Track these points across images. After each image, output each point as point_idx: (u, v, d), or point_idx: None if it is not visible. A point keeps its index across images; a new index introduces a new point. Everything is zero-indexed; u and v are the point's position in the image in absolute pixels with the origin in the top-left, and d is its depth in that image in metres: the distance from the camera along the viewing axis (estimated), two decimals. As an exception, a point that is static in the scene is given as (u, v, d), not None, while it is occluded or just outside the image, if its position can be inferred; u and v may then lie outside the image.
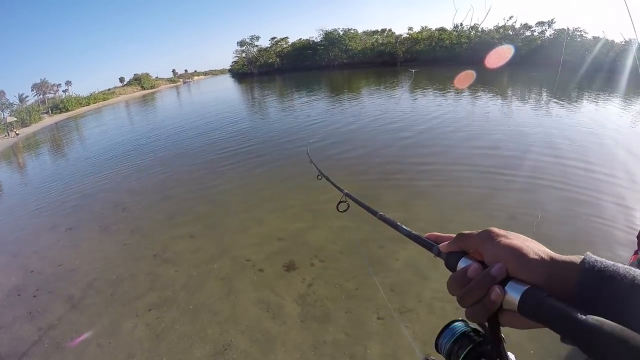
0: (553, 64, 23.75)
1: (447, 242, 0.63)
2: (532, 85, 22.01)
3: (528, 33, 42.55)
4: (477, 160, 7.96)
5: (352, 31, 53.92)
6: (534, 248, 0.52)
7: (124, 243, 6.12)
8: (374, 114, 14.60)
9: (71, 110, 43.99)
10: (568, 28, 38.76)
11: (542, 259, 0.50)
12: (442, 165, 7.84)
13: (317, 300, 4.09)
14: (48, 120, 40.30)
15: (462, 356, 0.57)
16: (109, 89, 60.40)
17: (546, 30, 41.53)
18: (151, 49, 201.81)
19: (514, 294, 0.49)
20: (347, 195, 1.60)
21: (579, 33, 38.31)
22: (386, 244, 4.96)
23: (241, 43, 60.73)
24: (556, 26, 40.93)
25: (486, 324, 0.55)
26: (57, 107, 47.27)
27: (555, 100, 15.86)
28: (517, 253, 0.51)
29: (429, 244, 0.67)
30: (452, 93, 19.81)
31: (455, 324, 0.62)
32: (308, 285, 4.35)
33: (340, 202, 1.61)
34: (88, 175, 10.81)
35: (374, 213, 1.06)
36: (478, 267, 0.54)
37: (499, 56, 30.66)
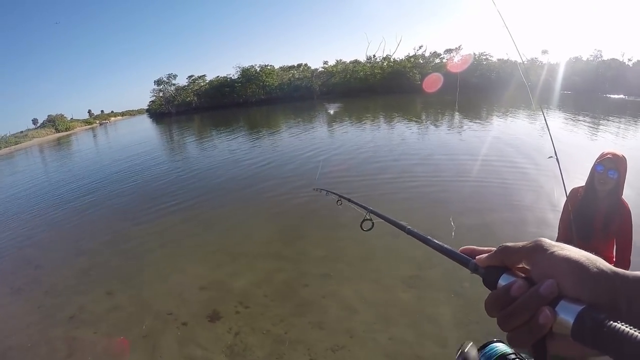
0: (463, 86, 25.60)
1: (485, 255, 0.56)
2: (445, 107, 23.67)
3: (437, 60, 45.34)
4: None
5: (268, 67, 54.85)
6: (595, 261, 0.45)
7: (38, 305, 5.65)
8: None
9: (-20, 155, 40.09)
10: (474, 53, 41.85)
11: (604, 274, 0.43)
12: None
13: (246, 349, 4.01)
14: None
15: None
16: (22, 132, 56.13)
17: (454, 56, 44.46)
18: (65, 88, 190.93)
19: (566, 316, 0.42)
20: (372, 212, 1.51)
21: (484, 57, 41.46)
22: (311, 283, 5.03)
23: (158, 82, 58.80)
24: (463, 52, 43.99)
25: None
26: (-35, 153, 43.00)
27: (465, 118, 17.50)
28: (574, 267, 0.45)
29: (464, 259, 0.60)
30: (369, 122, 20.79)
31: (494, 344, 0.54)
32: (235, 334, 4.25)
33: (364, 220, 1.54)
34: (-3, 230, 9.99)
35: (402, 228, 1.01)
36: (524, 284, 0.47)
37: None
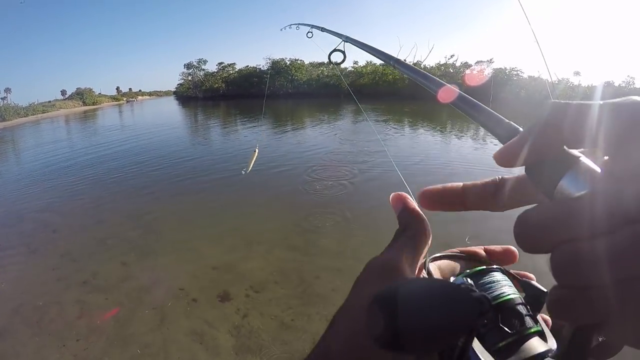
0: (493, 100, 25.20)
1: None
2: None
3: (468, 71, 44.56)
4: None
5: (298, 62, 54.45)
6: None
7: (53, 267, 5.79)
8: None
9: (8, 120, 40.61)
10: (505, 67, 41.13)
11: None
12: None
13: (252, 331, 4.05)
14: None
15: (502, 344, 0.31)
16: (50, 101, 56.87)
17: (485, 68, 43.66)
18: (96, 63, 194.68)
19: None
20: (347, 40, 1.28)
21: (515, 72, 40.71)
22: (322, 275, 5.06)
23: (188, 65, 59.69)
24: (494, 65, 43.14)
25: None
26: (-6, 116, 43.67)
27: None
28: None
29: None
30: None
31: (495, 273, 0.35)
32: (243, 316, 4.30)
33: (334, 50, 1.34)
34: (19, 192, 10.22)
35: (387, 58, 0.83)
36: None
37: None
